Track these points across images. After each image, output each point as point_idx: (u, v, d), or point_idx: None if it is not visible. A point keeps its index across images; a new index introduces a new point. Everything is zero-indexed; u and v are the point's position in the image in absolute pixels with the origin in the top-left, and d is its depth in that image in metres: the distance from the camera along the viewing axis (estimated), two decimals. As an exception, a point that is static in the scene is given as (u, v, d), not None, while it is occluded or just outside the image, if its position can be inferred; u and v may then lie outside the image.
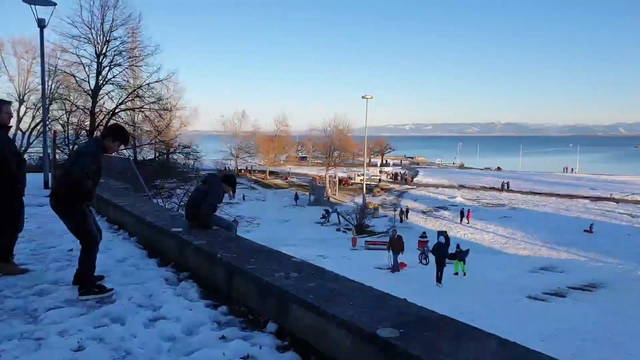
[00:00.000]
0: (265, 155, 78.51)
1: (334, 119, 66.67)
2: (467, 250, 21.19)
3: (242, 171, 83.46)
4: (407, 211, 44.40)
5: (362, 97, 48.26)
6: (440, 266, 18.11)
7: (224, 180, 5.79)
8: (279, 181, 72.29)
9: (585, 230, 36.47)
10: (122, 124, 14.79)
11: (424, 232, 25.75)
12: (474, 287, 16.82)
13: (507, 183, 61.43)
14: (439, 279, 17.87)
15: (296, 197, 54.15)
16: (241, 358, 3.01)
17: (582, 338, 11.25)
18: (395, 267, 20.77)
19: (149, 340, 3.28)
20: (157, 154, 57.26)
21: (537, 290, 17.34)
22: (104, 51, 27.10)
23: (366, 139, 54.58)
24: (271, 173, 77.97)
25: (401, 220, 42.05)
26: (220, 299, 4.09)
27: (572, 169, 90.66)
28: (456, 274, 20.01)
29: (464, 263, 20.32)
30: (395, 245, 21.00)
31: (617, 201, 51.20)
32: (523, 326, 11.65)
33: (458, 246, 21.60)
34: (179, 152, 39.31)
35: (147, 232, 6.33)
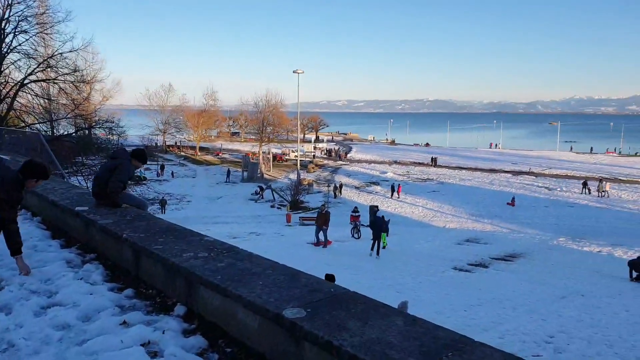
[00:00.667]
0: (194, 130, 75.89)
1: (266, 93, 65.44)
2: (388, 221, 20.74)
3: (171, 147, 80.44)
4: (341, 187, 44.97)
5: (294, 72, 47.67)
6: (378, 239, 19.07)
7: (134, 156, 5.31)
8: (210, 157, 70.36)
9: (508, 204, 38.62)
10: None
11: (356, 207, 26.18)
12: (402, 260, 17.33)
13: (435, 158, 63.84)
14: (377, 252, 18.73)
15: (228, 174, 53.06)
16: (141, 345, 2.75)
17: (503, 306, 11.90)
18: (321, 242, 20.46)
19: (37, 329, 2.93)
20: (76, 130, 53.62)
21: (462, 261, 18.16)
22: (6, 16, 24.47)
23: (299, 114, 54.30)
24: (202, 149, 75.71)
25: (335, 196, 42.53)
26: (127, 282, 3.76)
27: (496, 145, 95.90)
28: (384, 247, 19.86)
29: (387, 234, 20.15)
30: (321, 220, 20.60)
31: (535, 175, 54.74)
32: (449, 297, 12.16)
33: (383, 218, 21.92)
34: (99, 127, 36.97)
35: (51, 211, 5.76)
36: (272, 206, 40.07)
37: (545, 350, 8.69)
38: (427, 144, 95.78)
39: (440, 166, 61.88)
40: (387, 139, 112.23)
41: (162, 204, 36.66)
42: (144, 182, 48.59)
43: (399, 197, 42.60)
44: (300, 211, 37.63)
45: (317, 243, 20.50)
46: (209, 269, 3.12)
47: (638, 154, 78.62)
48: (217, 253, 3.55)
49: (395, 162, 65.42)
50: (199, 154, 72.53)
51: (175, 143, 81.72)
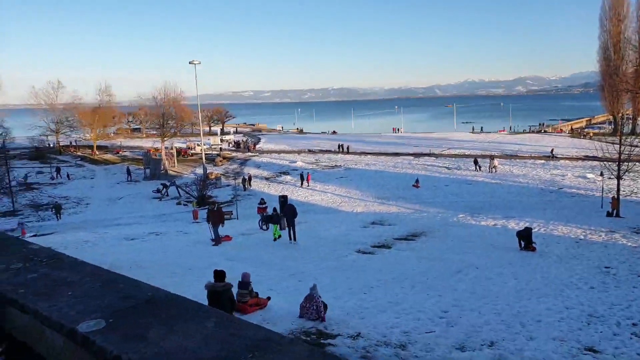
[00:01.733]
0: (90, 128, 70.31)
1: (164, 86, 62.17)
2: (281, 215, 20.29)
3: (66, 148, 73.96)
4: (250, 179, 44.13)
5: (190, 63, 45.60)
6: (293, 226, 19.09)
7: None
8: (109, 156, 65.63)
9: (413, 185, 40.13)
10: None
11: (262, 199, 25.66)
12: (306, 248, 17.14)
13: (342, 145, 65.04)
14: (294, 238, 18.99)
15: (129, 172, 49.79)
16: None
17: (402, 286, 12.09)
18: (222, 239, 19.26)
19: None
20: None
21: (366, 244, 18.39)
22: None
23: (199, 105, 52.11)
24: (100, 148, 70.37)
25: (244, 189, 41.64)
26: None
27: (398, 129, 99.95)
28: (276, 238, 19.17)
29: (280, 227, 19.65)
30: (213, 217, 19.43)
31: (436, 156, 57.73)
32: (349, 281, 12.12)
33: (275, 210, 21.63)
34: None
35: None
36: (178, 203, 38.23)
37: (439, 326, 8.87)
38: (334, 132, 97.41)
39: (347, 152, 63.16)
40: (297, 129, 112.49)
41: (57, 209, 33.33)
42: (33, 187, 44.23)
43: (308, 186, 42.75)
44: (208, 206, 36.30)
45: (216, 240, 19.17)
46: (17, 281, 2.70)
47: (525, 131, 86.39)
48: (35, 263, 3.10)
49: (303, 151, 65.70)
50: (97, 153, 67.33)
51: (71, 143, 75.28)
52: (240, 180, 43.55)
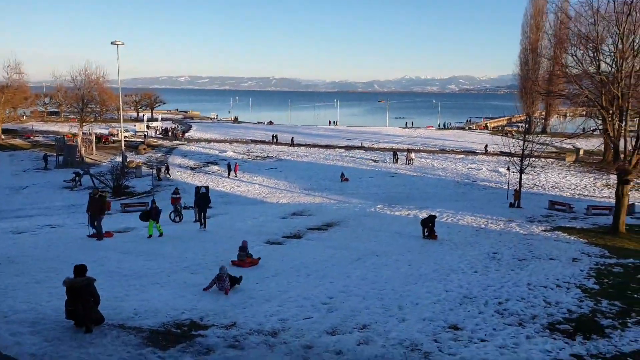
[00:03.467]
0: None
1: (85, 67, 58.46)
2: (157, 209, 18.25)
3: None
4: (168, 168, 42.77)
5: (112, 43, 43.18)
6: (204, 213, 19.90)
7: None
8: (18, 141, 60.87)
9: (342, 180, 40.51)
10: None
11: (177, 189, 24.86)
12: (213, 240, 16.89)
13: (276, 136, 64.77)
14: (204, 225, 19.64)
15: (45, 159, 46.46)
16: None
17: (297, 274, 12.21)
18: (96, 235, 16.90)
19: None
20: None
21: (277, 235, 18.40)
22: None
23: (120, 89, 49.71)
24: (8, 132, 64.98)
25: (159, 178, 40.26)
26: None
27: (334, 122, 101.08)
28: (150, 236, 17.28)
29: (158, 222, 17.79)
30: (93, 206, 16.91)
31: (366, 149, 59.07)
32: (245, 271, 12.08)
33: (154, 202, 19.81)
34: None
35: None
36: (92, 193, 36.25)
37: (319, 312, 9.05)
38: (271, 122, 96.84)
39: (280, 144, 63.01)
40: (232, 117, 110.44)
41: None
42: None
43: (236, 176, 42.18)
44: (124, 197, 34.76)
45: (93, 234, 16.93)
46: None
47: (448, 127, 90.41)
48: None
49: (235, 141, 64.69)
50: (2, 137, 62.12)
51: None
52: (155, 170, 42.08)
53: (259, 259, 13.54)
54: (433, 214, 20.27)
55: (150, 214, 17.53)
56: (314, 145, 61.68)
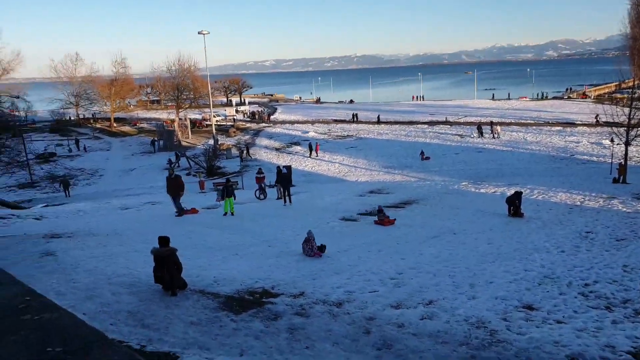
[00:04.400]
0: (107, 101, 71.66)
1: (178, 57, 62.68)
2: (232, 184, 19.39)
3: (86, 120, 75.82)
4: (248, 150, 44.53)
5: (199, 33, 45.63)
6: (287, 190, 21.00)
7: None
8: (127, 128, 67.12)
9: (423, 159, 39.35)
10: None
11: (260, 169, 26.12)
12: (291, 216, 17.54)
13: (356, 114, 64.63)
14: (289, 201, 20.76)
15: (153, 144, 50.92)
16: None
17: (368, 250, 12.34)
18: (185, 211, 17.79)
19: None
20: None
21: (353, 212, 18.60)
22: None
23: (208, 76, 52.50)
24: (118, 120, 71.91)
25: (242, 159, 42.15)
26: None
27: (418, 97, 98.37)
28: (225, 214, 17.85)
29: (234, 199, 18.47)
30: (170, 186, 17.37)
31: (451, 124, 57.00)
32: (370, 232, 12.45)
33: (228, 180, 20.55)
34: (2, 102, 33.94)
35: None
36: (188, 174, 39.16)
37: (386, 286, 9.15)
38: (351, 101, 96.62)
39: (361, 122, 62.82)
40: (314, 98, 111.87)
41: (65, 185, 33.37)
42: (52, 159, 45.83)
43: (317, 156, 43.04)
44: (216, 177, 37.10)
45: (179, 212, 17.63)
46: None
47: (546, 98, 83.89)
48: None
49: (317, 121, 65.60)
50: (115, 125, 68.88)
51: (93, 115, 77.02)
52: (238, 151, 44.14)
53: (395, 220, 15.97)
54: (519, 190, 19.20)
55: (226, 192, 18.22)
56: (395, 122, 60.64)
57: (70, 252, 10.41)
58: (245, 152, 43.79)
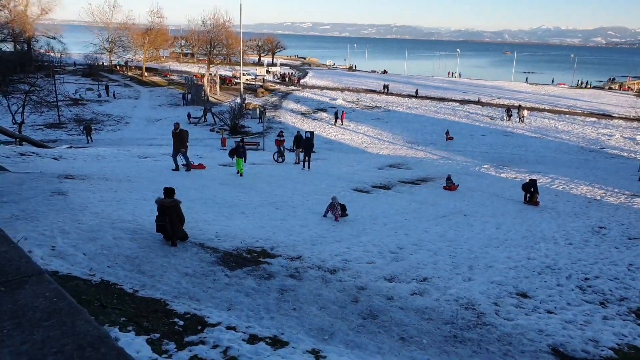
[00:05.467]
0: (141, 49, 72.02)
1: (214, 11, 62.27)
2: (243, 147, 18.57)
3: (118, 67, 76.68)
4: (265, 111, 44.19)
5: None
6: (308, 156, 21.40)
7: None
8: (157, 79, 67.59)
9: (447, 139, 38.37)
10: None
11: (281, 131, 26.14)
12: (305, 181, 17.62)
13: (387, 86, 63.52)
14: (308, 167, 21.30)
15: (184, 97, 51.35)
16: None
17: (374, 222, 12.39)
18: (184, 165, 17.52)
19: None
20: (15, 45, 49.96)
21: (367, 184, 18.58)
22: None
23: (241, 33, 52.07)
24: (150, 70, 72.38)
25: (259, 120, 42.08)
26: None
27: (459, 74, 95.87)
28: (238, 172, 17.82)
29: (245, 161, 18.32)
30: (175, 141, 17.06)
31: (482, 104, 55.57)
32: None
33: (242, 140, 20.15)
34: (39, 42, 34.82)
35: None
36: (212, 130, 39.50)
37: (384, 259, 9.26)
38: (385, 71, 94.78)
39: (391, 94, 61.75)
40: (347, 65, 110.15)
41: (87, 130, 33.35)
42: (81, 102, 46.78)
43: (342, 124, 42.70)
44: (239, 136, 37.31)
45: (176, 168, 17.39)
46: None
47: (587, 87, 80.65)
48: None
49: (347, 89, 64.80)
50: (145, 75, 69.48)
51: (126, 62, 77.81)
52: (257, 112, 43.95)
53: (458, 185, 18.71)
54: (533, 177, 18.88)
55: (237, 152, 18.15)
56: (426, 97, 59.41)
57: (81, 193, 10.77)
58: (262, 113, 43.62)
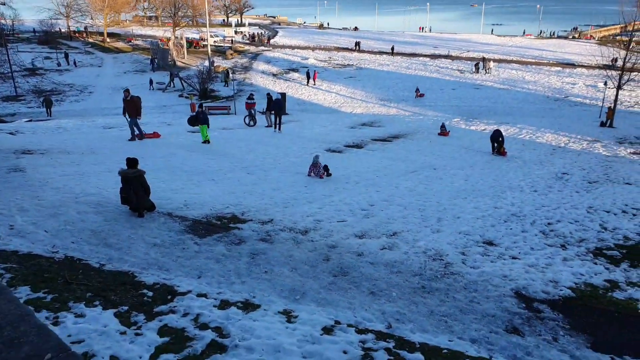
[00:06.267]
0: (100, 14, 68.59)
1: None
2: (204, 113, 17.77)
3: (77, 34, 73.10)
4: (228, 73, 43.27)
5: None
6: (279, 118, 21.33)
7: None
8: (121, 44, 64.81)
9: (417, 96, 37.81)
10: None
11: (252, 94, 25.61)
12: (275, 144, 17.50)
13: (359, 43, 62.54)
14: (279, 128, 21.23)
15: (152, 62, 49.40)
16: None
17: (346, 181, 12.49)
18: (137, 135, 16.87)
19: None
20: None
21: (340, 143, 18.59)
22: None
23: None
24: (112, 35, 69.25)
25: (226, 84, 41.27)
26: None
27: (429, 28, 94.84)
28: (205, 141, 17.07)
29: (208, 126, 17.54)
30: (129, 108, 16.31)
31: (452, 58, 55.42)
32: (298, 176, 12.61)
33: (201, 106, 19.25)
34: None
35: None
36: (181, 95, 38.50)
37: (355, 216, 9.38)
38: (356, 28, 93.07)
39: (363, 51, 60.88)
40: (317, 23, 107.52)
41: (47, 104, 31.46)
42: (38, 72, 44.72)
43: (314, 84, 42.17)
44: (209, 100, 36.53)
45: (132, 137, 16.78)
46: None
47: (552, 36, 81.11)
48: None
49: (318, 48, 63.56)
50: (108, 40, 66.52)
51: (86, 28, 74.14)
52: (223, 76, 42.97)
53: (449, 132, 21.30)
54: (499, 128, 19.22)
55: (198, 119, 17.42)
56: (397, 53, 58.85)
57: (41, 169, 10.46)
58: (227, 76, 42.62)
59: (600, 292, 6.69)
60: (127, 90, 16.64)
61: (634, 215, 10.66)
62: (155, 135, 18.24)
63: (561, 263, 7.75)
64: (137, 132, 16.84)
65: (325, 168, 12.90)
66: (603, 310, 6.19)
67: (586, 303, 6.34)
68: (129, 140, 16.68)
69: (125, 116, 16.67)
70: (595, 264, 7.84)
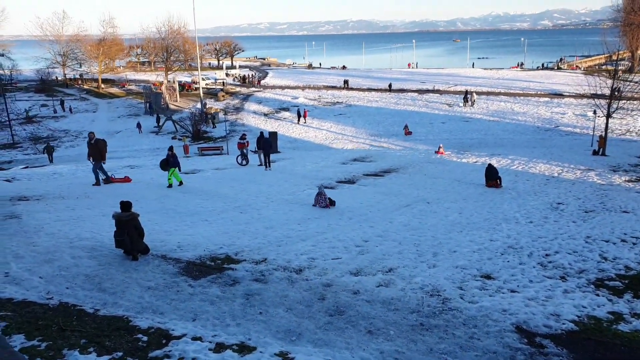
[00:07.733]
0: (95, 61, 69.97)
1: (168, 18, 61.16)
2: (174, 156, 16.90)
3: (73, 81, 74.24)
4: (214, 116, 43.82)
5: (187, -7, 44.35)
6: (268, 156, 22.02)
7: None
8: (115, 90, 65.85)
9: (406, 133, 37.71)
10: None
11: (244, 134, 25.88)
12: (268, 182, 17.53)
13: (347, 81, 63.88)
14: (269, 166, 21.89)
15: (151, 107, 49.90)
16: None
17: (339, 218, 12.39)
18: (100, 180, 16.25)
19: None
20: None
21: (332, 180, 18.64)
22: None
23: (197, 38, 51.50)
24: (106, 81, 70.47)
25: (214, 126, 41.83)
26: None
27: (415, 64, 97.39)
28: (169, 186, 16.21)
29: (178, 170, 16.82)
30: (92, 152, 15.72)
31: (440, 92, 56.62)
32: (291, 213, 12.56)
33: (171, 149, 17.42)
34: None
35: None
36: (174, 138, 38.81)
37: (349, 253, 9.30)
38: (344, 67, 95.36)
39: (352, 89, 62.14)
40: (306, 63, 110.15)
41: (49, 151, 31.90)
42: (34, 120, 45.06)
43: (305, 122, 42.74)
44: (202, 142, 36.84)
45: (97, 182, 16.17)
46: None
47: (538, 68, 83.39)
48: None
49: (307, 87, 64.80)
50: (102, 86, 67.57)
51: (81, 75, 75.36)
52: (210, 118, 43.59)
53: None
54: (491, 163, 19.45)
55: (168, 162, 16.69)
56: (385, 90, 60.06)
57: (36, 215, 10.40)
58: (213, 118, 43.19)
59: (605, 325, 6.58)
60: (91, 133, 16.09)
61: (634, 244, 10.59)
62: (127, 179, 17.59)
63: (562, 295, 7.64)
64: (103, 176, 16.37)
65: (331, 202, 13.53)
66: (609, 344, 6.07)
67: (590, 337, 6.21)
68: (94, 185, 16.08)
69: (89, 160, 16.19)
70: (597, 295, 7.73)
